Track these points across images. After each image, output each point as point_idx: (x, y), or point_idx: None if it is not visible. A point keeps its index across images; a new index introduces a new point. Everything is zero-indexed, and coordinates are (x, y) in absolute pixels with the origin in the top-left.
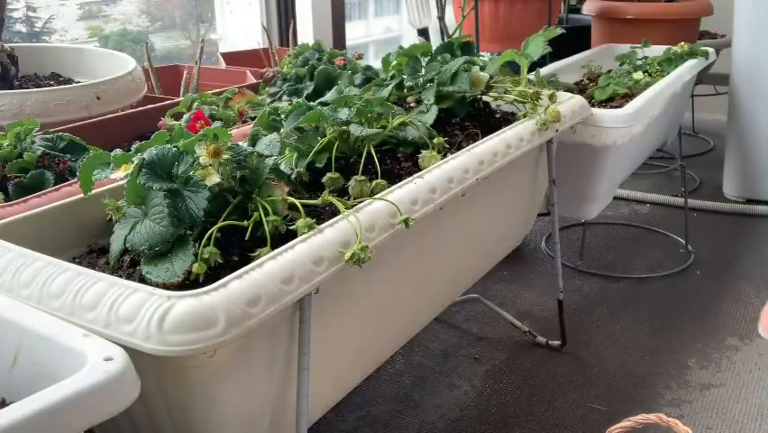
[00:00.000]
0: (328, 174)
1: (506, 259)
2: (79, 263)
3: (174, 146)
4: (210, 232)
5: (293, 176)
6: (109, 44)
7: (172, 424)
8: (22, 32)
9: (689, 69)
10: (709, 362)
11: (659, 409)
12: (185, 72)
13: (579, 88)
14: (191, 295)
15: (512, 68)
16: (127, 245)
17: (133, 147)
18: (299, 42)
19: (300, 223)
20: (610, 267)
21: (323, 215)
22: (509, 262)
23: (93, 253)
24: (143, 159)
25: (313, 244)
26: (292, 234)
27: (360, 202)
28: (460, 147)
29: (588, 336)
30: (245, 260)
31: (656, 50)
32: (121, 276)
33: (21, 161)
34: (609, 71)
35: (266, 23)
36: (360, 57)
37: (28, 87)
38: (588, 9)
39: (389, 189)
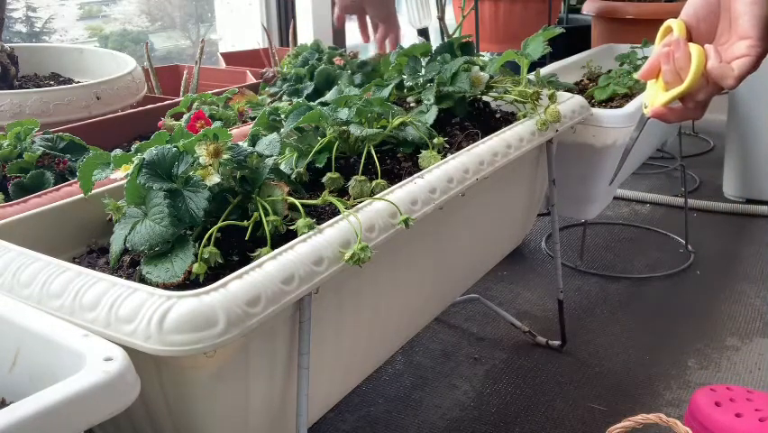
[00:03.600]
0: (328, 174)
1: (506, 259)
2: (79, 263)
3: (174, 146)
4: (210, 232)
5: (293, 176)
6: (109, 44)
7: (172, 424)
8: (22, 32)
9: None
10: (709, 362)
11: (659, 409)
12: (185, 72)
13: (579, 88)
14: (191, 295)
15: (512, 68)
16: (127, 245)
17: (133, 147)
18: (299, 42)
19: (300, 223)
20: (610, 267)
21: (323, 215)
22: (509, 262)
23: (93, 253)
24: (143, 159)
25: (313, 244)
26: (292, 235)
27: (360, 202)
28: (460, 147)
29: (588, 336)
30: (245, 260)
31: None
32: (121, 276)
33: (21, 161)
34: (609, 71)
35: (266, 23)
36: (355, 55)
37: (28, 87)
38: (588, 9)
39: (389, 189)
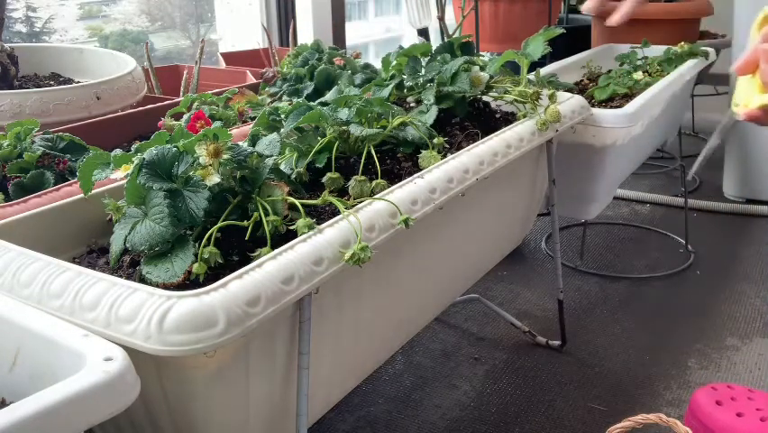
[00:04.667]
0: (328, 174)
1: (506, 259)
2: (79, 263)
3: (174, 146)
4: (210, 232)
5: (293, 176)
6: (109, 44)
7: (172, 424)
8: (22, 32)
9: (689, 69)
10: (709, 362)
11: (659, 409)
12: (185, 72)
13: (579, 88)
14: (191, 295)
15: (512, 68)
16: (127, 245)
17: (133, 147)
18: (299, 42)
19: (300, 223)
20: (610, 267)
21: (323, 215)
22: (509, 262)
23: (93, 253)
24: (143, 159)
25: (313, 244)
26: (292, 235)
27: (360, 202)
28: (460, 147)
29: (588, 336)
30: (245, 260)
31: (656, 50)
32: (121, 276)
33: (21, 161)
34: (609, 71)
35: (266, 23)
36: (357, 56)
37: (28, 87)
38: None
39: (389, 189)
